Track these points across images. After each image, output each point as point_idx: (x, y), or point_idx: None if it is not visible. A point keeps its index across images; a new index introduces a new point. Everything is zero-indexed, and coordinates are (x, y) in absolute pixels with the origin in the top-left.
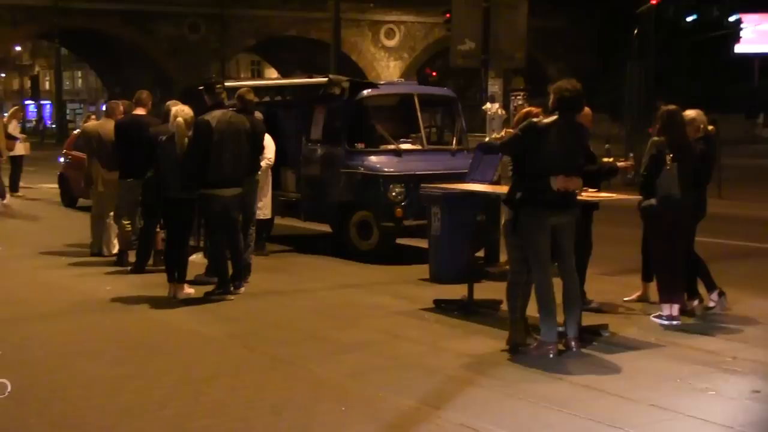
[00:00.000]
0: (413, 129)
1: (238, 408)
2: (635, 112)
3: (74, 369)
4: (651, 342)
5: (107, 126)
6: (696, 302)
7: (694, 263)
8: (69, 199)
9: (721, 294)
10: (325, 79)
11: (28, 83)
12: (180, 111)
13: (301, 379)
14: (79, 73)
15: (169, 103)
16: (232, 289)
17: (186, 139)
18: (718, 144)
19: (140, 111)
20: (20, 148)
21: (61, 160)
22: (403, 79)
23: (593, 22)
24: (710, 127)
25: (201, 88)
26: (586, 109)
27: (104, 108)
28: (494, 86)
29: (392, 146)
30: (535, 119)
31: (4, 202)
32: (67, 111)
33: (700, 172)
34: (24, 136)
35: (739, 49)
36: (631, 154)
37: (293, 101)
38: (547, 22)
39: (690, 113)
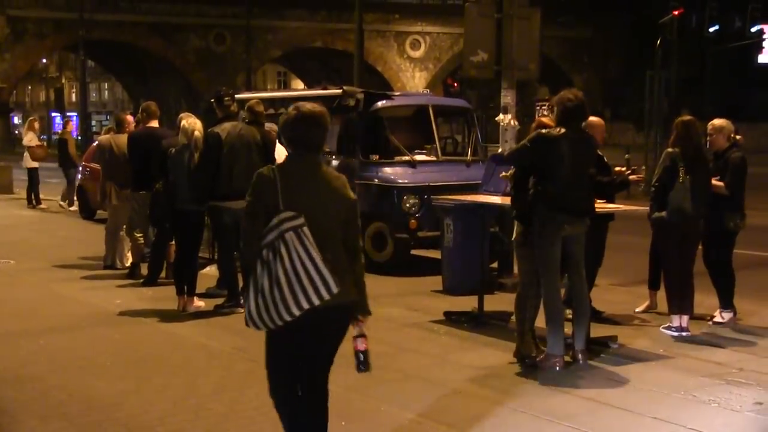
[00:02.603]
0: (428, 140)
1: (238, 422)
2: (659, 122)
3: (77, 384)
4: (659, 353)
5: (120, 139)
6: (732, 315)
7: (731, 275)
8: (87, 211)
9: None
10: (340, 90)
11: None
12: (194, 124)
13: None
14: (106, 85)
15: (181, 115)
16: (242, 301)
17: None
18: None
19: (154, 123)
20: (29, 161)
21: (80, 172)
22: (428, 90)
23: (619, 32)
24: (738, 137)
25: (212, 100)
26: (599, 120)
27: (111, 120)
28: (507, 97)
29: (407, 157)
30: (543, 130)
31: (71, 208)
32: (93, 123)
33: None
34: (42, 143)
35: (762, 59)
36: (644, 167)
37: None
38: (573, 33)
39: (719, 122)
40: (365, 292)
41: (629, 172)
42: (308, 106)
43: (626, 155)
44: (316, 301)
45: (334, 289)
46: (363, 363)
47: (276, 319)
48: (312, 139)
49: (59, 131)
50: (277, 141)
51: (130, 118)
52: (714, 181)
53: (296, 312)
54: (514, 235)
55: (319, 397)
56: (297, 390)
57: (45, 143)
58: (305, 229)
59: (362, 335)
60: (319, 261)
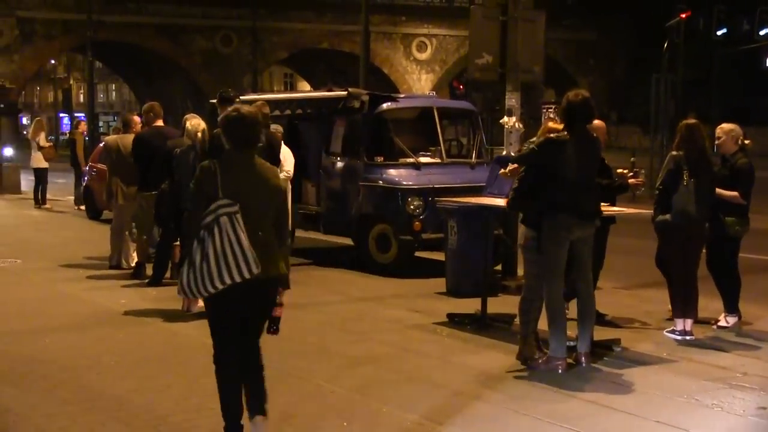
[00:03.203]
0: (433, 142)
1: None
2: (665, 125)
3: (82, 383)
4: (663, 357)
5: (127, 140)
6: (736, 319)
7: (736, 279)
8: (94, 211)
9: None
10: (345, 92)
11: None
12: (198, 125)
13: (307, 394)
14: (113, 86)
15: (186, 116)
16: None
17: None
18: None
19: (160, 122)
20: (39, 161)
21: (86, 173)
22: (434, 92)
23: (625, 35)
24: (747, 141)
25: (214, 101)
26: (600, 122)
27: (119, 121)
28: (511, 100)
29: (411, 159)
30: (551, 134)
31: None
32: (100, 123)
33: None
34: (50, 143)
35: None
36: (643, 171)
37: (314, 114)
38: (579, 35)
39: (728, 125)
40: (288, 269)
41: (630, 175)
42: (246, 108)
43: (632, 158)
44: (237, 279)
45: (254, 270)
46: (274, 327)
47: (202, 289)
48: (249, 137)
49: (69, 131)
50: (281, 142)
51: (137, 118)
52: (726, 192)
53: (219, 285)
54: (521, 239)
55: (253, 359)
56: (234, 352)
57: (53, 144)
58: (238, 216)
59: (280, 304)
60: (246, 245)
